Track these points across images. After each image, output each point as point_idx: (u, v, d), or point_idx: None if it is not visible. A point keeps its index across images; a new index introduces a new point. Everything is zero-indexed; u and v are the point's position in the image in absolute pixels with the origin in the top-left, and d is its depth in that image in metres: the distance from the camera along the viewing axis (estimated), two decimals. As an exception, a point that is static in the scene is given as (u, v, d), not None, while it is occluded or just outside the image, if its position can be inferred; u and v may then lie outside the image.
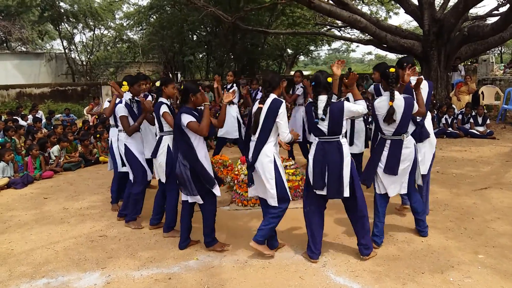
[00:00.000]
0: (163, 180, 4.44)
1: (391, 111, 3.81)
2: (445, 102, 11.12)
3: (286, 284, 3.44)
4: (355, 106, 3.67)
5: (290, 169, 5.71)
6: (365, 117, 5.92)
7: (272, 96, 3.79)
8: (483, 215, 4.86)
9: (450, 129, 10.07)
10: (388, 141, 3.99)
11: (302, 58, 33.55)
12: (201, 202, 3.98)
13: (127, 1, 22.97)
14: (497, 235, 4.29)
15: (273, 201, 3.77)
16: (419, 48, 11.82)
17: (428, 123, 4.58)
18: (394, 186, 4.06)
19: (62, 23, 21.25)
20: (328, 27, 19.70)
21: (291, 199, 3.89)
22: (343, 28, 18.94)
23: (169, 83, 4.48)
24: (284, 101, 3.80)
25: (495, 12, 13.82)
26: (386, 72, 3.89)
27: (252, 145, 3.85)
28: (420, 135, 4.42)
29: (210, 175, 3.94)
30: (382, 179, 4.04)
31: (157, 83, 4.59)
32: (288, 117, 4.56)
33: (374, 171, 4.07)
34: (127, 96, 4.81)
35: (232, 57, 22.00)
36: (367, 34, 13.78)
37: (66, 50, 22.23)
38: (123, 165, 4.96)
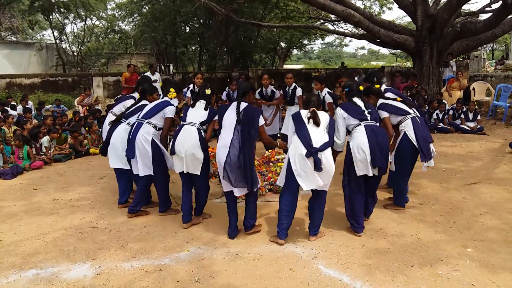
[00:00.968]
0: (197, 173, 4.31)
1: None
2: (436, 97, 11.19)
3: (276, 276, 3.45)
4: None
5: (282, 162, 5.71)
6: None
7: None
8: (472, 210, 4.91)
9: (441, 124, 10.14)
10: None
11: (295, 51, 33.52)
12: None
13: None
14: (486, 229, 4.34)
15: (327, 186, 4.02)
16: (412, 43, 11.85)
17: None
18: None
19: (53, 13, 20.97)
20: (322, 21, 19.70)
21: None
22: (336, 22, 18.93)
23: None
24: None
25: (488, 8, 13.89)
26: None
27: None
28: None
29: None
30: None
31: (208, 91, 4.60)
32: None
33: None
34: (174, 103, 4.81)
35: (225, 49, 21.90)
36: (360, 29, 13.79)
37: (57, 41, 21.97)
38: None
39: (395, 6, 15.81)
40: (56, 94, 15.75)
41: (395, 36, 11.98)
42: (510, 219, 4.61)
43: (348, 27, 20.59)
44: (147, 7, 21.03)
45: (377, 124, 4.33)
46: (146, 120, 4.59)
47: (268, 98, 7.11)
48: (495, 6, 13.02)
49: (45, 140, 7.74)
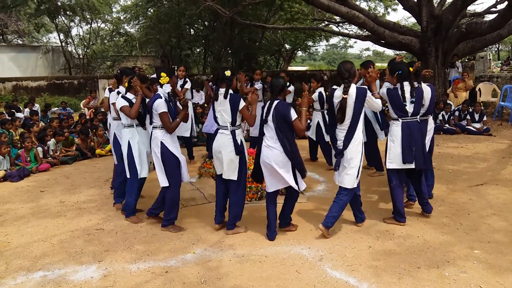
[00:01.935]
0: (234, 178, 4.26)
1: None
2: (442, 98, 11.15)
3: (282, 278, 3.45)
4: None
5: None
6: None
7: (353, 85, 4.13)
8: (479, 211, 4.88)
9: (446, 125, 10.10)
10: None
11: (300, 53, 33.48)
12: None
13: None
14: (493, 231, 4.32)
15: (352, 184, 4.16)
16: (417, 45, 11.81)
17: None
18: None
19: (59, 16, 21.10)
20: (326, 22, 19.65)
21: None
22: (341, 24, 18.92)
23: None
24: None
25: (493, 9, 13.82)
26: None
27: (340, 134, 4.14)
28: None
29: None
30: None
31: (227, 73, 4.34)
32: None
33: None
34: (166, 89, 4.46)
35: (229, 51, 21.93)
36: (365, 30, 13.78)
37: (63, 43, 22.11)
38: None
39: (399, 7, 15.79)
40: (62, 96, 15.87)
41: (400, 37, 11.94)
42: (517, 220, 4.58)
43: (353, 29, 20.58)
44: (152, 10, 21.11)
45: (417, 118, 4.46)
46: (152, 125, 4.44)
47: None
48: (500, 6, 12.95)
49: (51, 142, 7.79)
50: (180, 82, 7.04)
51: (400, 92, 4.39)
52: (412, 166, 4.38)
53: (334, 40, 30.85)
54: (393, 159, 4.44)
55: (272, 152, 4.00)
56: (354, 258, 3.76)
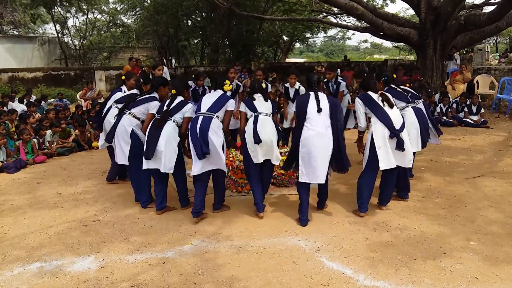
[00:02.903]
0: (277, 162, 4.60)
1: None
2: (441, 90, 11.15)
3: (280, 269, 3.46)
4: None
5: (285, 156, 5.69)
6: None
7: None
8: (476, 203, 4.90)
9: (444, 117, 10.10)
10: None
11: (297, 45, 33.43)
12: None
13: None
14: (489, 223, 4.33)
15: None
16: (415, 36, 11.78)
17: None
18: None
19: (55, 7, 20.92)
20: (325, 14, 19.55)
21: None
22: (339, 15, 18.83)
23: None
24: None
25: (492, 1, 13.78)
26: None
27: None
28: None
29: None
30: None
31: (263, 85, 4.80)
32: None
33: None
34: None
35: (227, 43, 21.84)
36: (363, 22, 13.73)
37: (59, 34, 21.94)
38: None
39: (398, -2, 15.69)
40: (59, 88, 15.79)
41: (398, 29, 11.91)
42: (514, 212, 4.60)
43: (351, 20, 20.47)
44: (149, 1, 20.96)
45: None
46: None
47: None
48: (499, -2, 12.91)
49: (48, 134, 7.75)
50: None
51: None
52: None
53: (332, 31, 30.80)
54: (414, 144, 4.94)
55: (323, 139, 4.20)
56: (351, 250, 3.77)
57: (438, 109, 10.22)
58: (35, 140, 7.42)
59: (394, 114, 4.48)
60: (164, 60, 21.67)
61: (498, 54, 25.45)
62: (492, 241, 3.90)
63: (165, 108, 4.56)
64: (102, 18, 24.29)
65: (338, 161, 4.35)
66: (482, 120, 9.88)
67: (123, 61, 24.07)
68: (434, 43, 11.55)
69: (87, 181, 6.09)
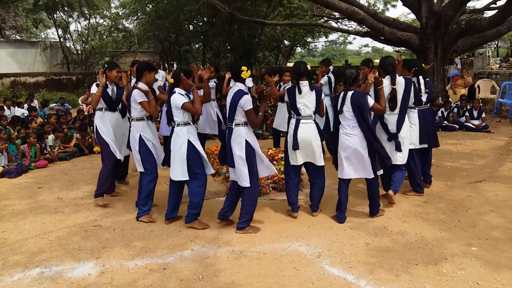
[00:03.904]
0: (323, 163, 4.59)
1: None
2: (441, 94, 11.15)
3: (280, 274, 3.45)
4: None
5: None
6: None
7: (400, 77, 4.80)
8: (477, 208, 4.88)
9: (445, 122, 10.09)
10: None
11: (299, 49, 33.45)
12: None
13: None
14: (490, 228, 4.32)
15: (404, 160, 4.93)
16: (416, 41, 11.78)
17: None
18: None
19: (57, 12, 21.02)
20: (326, 18, 19.61)
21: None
22: (340, 20, 18.91)
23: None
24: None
25: (493, 5, 13.81)
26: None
27: (393, 118, 4.80)
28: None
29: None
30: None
31: (308, 66, 4.58)
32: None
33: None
34: (249, 83, 4.32)
35: (228, 47, 21.88)
36: (364, 26, 13.73)
37: (61, 39, 22.03)
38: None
39: (399, 3, 15.75)
40: (61, 92, 15.83)
41: (399, 33, 11.91)
42: (515, 217, 4.58)
43: (352, 25, 20.53)
44: (150, 6, 21.04)
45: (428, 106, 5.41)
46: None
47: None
48: (500, 2, 12.94)
49: (50, 138, 7.77)
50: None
51: (417, 85, 5.17)
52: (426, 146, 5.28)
53: (333, 36, 30.98)
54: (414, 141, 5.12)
55: (353, 138, 4.34)
56: (352, 255, 3.76)
57: (439, 114, 10.21)
58: (37, 145, 7.43)
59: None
60: (166, 65, 21.73)
61: (499, 58, 25.46)
62: (494, 246, 3.88)
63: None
64: (104, 23, 24.40)
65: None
66: (484, 124, 9.86)
67: (125, 65, 24.13)
68: (435, 47, 11.55)
69: (88, 186, 6.09)
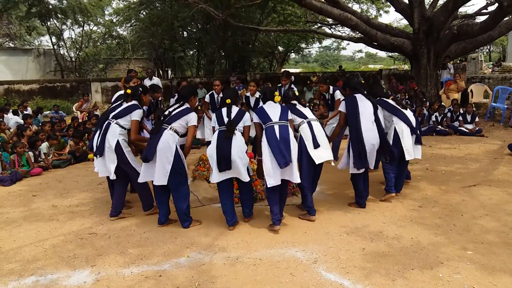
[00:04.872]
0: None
1: None
2: (434, 99, 11.23)
3: (277, 280, 3.44)
4: None
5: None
6: None
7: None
8: (472, 212, 4.91)
9: (439, 127, 10.16)
10: None
11: (293, 55, 33.62)
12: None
13: (116, -3, 22.85)
14: (485, 232, 4.34)
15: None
16: (409, 46, 11.89)
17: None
18: None
19: (51, 19, 20.99)
20: (319, 24, 19.74)
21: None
22: (334, 26, 19.04)
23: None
24: None
25: (484, 11, 13.97)
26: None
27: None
28: None
29: None
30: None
31: (296, 92, 5.05)
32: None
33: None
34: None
35: (223, 54, 21.94)
36: (357, 32, 13.83)
37: (55, 46, 21.99)
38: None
39: (392, 9, 15.90)
40: (55, 100, 15.78)
41: (392, 39, 12.01)
42: (510, 221, 4.61)
43: (346, 31, 20.67)
44: (144, 12, 21.09)
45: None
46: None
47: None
48: (491, 8, 13.08)
49: (44, 146, 7.74)
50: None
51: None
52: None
53: (327, 42, 31.16)
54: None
55: (373, 133, 4.90)
56: (348, 260, 3.76)
57: (433, 118, 10.28)
58: (30, 153, 7.39)
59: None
60: (161, 72, 21.73)
61: (491, 63, 25.66)
62: (489, 250, 3.90)
63: (226, 119, 4.48)
64: (98, 30, 24.41)
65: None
66: (477, 128, 9.95)
67: (119, 72, 24.14)
68: (427, 52, 11.66)
69: (82, 193, 6.07)
